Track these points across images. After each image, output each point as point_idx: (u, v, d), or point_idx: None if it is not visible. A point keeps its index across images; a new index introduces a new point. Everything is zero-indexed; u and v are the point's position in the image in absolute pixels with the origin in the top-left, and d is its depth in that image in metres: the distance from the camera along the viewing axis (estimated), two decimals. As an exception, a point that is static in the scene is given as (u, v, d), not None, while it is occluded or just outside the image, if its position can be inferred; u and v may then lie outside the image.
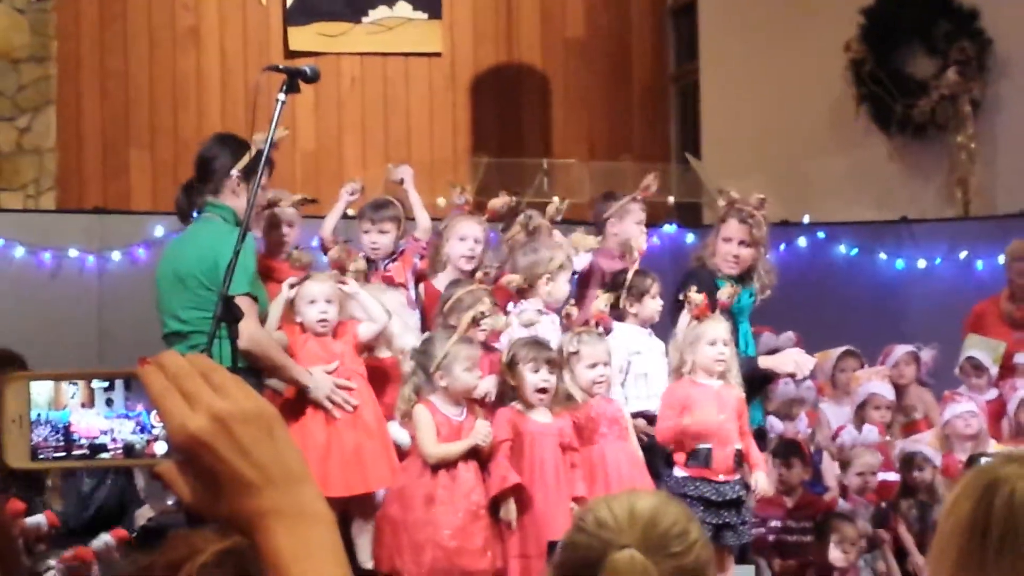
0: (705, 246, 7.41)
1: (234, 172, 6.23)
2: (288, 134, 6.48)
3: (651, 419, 6.91)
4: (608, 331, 6.90)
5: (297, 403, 6.41)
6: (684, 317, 6.84)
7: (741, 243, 7.25)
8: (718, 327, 6.74)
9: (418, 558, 6.21)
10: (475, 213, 7.35)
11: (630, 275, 7.15)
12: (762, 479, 6.74)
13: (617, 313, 7.09)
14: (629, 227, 7.55)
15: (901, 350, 8.52)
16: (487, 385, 6.47)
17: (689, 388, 6.73)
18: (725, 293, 6.94)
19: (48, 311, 9.42)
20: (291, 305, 6.53)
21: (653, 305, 7.08)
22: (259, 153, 6.19)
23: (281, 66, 6.36)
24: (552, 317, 6.96)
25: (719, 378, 6.74)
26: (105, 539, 6.78)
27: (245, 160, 6.22)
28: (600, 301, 6.93)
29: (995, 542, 2.41)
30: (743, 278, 7.29)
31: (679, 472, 6.68)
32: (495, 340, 6.77)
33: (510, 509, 6.31)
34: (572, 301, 7.08)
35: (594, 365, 6.63)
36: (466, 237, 7.17)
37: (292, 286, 6.52)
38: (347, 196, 7.43)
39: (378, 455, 6.42)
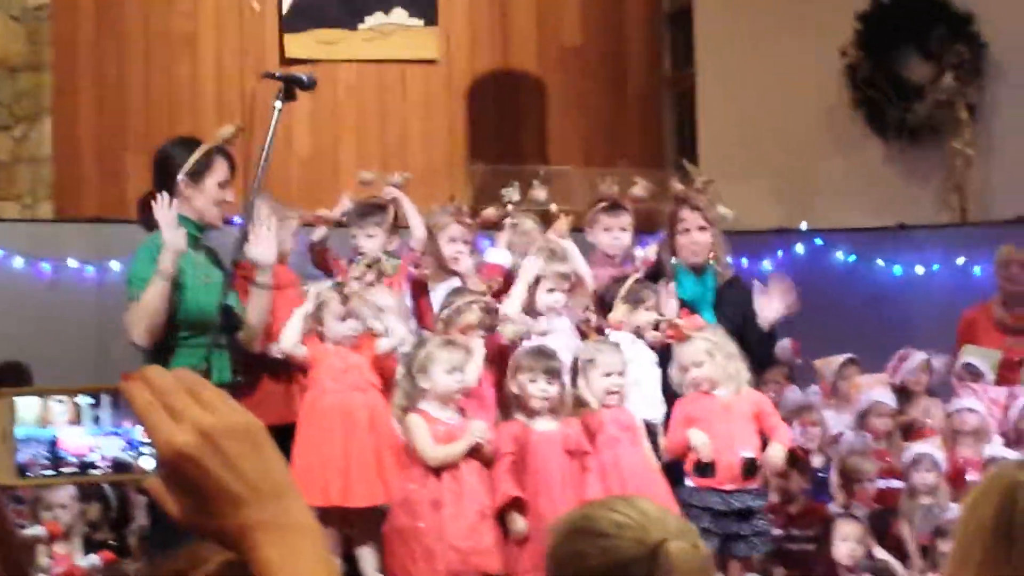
0: (663, 246, 7.50)
1: (180, 176, 6.19)
2: (240, 129, 6.44)
3: (648, 427, 6.94)
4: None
5: (318, 415, 6.42)
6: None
7: (700, 229, 7.40)
8: (690, 349, 6.83)
9: (432, 563, 6.23)
10: (463, 221, 7.38)
11: (629, 283, 7.17)
12: (774, 451, 6.78)
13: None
14: (597, 235, 7.59)
15: (918, 357, 8.50)
16: (480, 430, 6.44)
17: (694, 402, 6.82)
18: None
19: (48, 321, 9.43)
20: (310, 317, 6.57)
21: (646, 316, 7.09)
22: (209, 152, 6.18)
23: (278, 73, 6.38)
24: (565, 320, 7.00)
25: (724, 387, 6.80)
26: (93, 560, 6.77)
27: (191, 162, 6.18)
28: (618, 311, 6.98)
29: (1022, 542, 2.45)
30: (702, 266, 7.41)
31: (688, 482, 6.73)
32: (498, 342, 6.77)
33: (516, 522, 6.34)
34: (590, 308, 7.12)
35: (608, 374, 6.66)
36: (455, 239, 7.27)
37: (314, 299, 6.54)
38: (339, 213, 7.41)
39: (395, 465, 6.46)
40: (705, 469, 6.68)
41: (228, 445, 1.45)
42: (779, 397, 8.36)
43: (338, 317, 6.54)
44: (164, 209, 5.98)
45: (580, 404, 6.64)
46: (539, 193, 7.64)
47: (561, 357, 6.66)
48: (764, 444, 6.81)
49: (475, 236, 7.47)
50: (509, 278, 7.14)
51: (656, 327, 7.02)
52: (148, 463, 1.52)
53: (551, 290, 6.99)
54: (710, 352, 6.80)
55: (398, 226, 7.37)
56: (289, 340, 6.46)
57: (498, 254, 7.33)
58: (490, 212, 7.63)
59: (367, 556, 6.48)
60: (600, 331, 7.00)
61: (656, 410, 6.94)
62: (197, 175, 6.14)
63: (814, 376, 8.87)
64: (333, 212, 7.39)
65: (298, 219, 7.23)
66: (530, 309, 6.99)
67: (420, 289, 7.23)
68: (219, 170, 6.17)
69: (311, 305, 6.52)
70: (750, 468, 6.71)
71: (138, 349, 6.05)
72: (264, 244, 6.25)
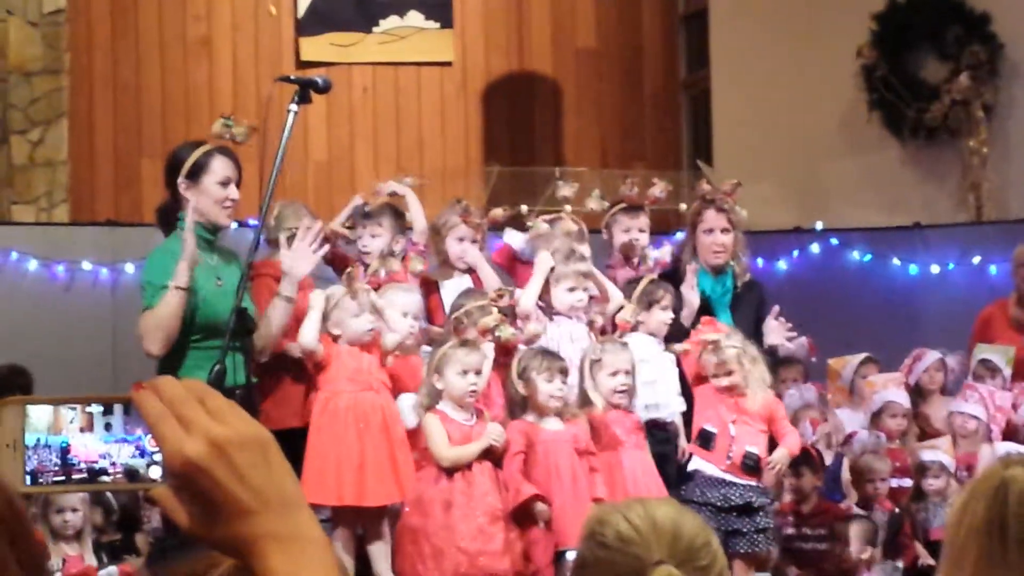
0: (684, 245, 7.51)
1: (180, 179, 6.19)
2: (253, 129, 6.45)
3: (661, 426, 6.96)
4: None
5: (331, 416, 6.44)
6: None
7: (723, 231, 7.43)
8: (718, 360, 6.88)
9: (440, 564, 6.26)
10: (471, 221, 7.39)
11: (643, 284, 7.17)
12: (778, 455, 6.80)
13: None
14: (616, 235, 7.60)
15: (932, 356, 8.50)
16: (496, 433, 6.47)
17: (708, 390, 6.90)
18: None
19: (62, 324, 9.46)
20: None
21: (661, 316, 7.09)
22: (207, 152, 6.18)
23: (293, 77, 6.38)
24: (559, 323, 7.00)
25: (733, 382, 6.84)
26: (111, 572, 6.78)
27: (188, 163, 6.18)
28: (626, 311, 6.98)
29: (1015, 541, 2.45)
30: (721, 267, 7.43)
31: (690, 466, 6.79)
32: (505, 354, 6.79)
33: (541, 513, 6.35)
34: (597, 309, 7.12)
35: (615, 373, 6.67)
36: (463, 239, 7.28)
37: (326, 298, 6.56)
38: (350, 209, 7.43)
39: (408, 464, 6.47)
40: (704, 439, 6.72)
41: (237, 455, 1.45)
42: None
43: (353, 314, 6.54)
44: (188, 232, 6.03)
45: (585, 404, 6.66)
46: (565, 191, 7.63)
47: (574, 359, 6.69)
48: (772, 448, 6.85)
49: (483, 236, 7.47)
50: (515, 264, 7.16)
51: (681, 326, 7.05)
52: (158, 471, 1.52)
53: (572, 289, 7.00)
54: (739, 359, 6.81)
55: (404, 227, 7.37)
56: (309, 337, 6.45)
57: (513, 236, 7.35)
58: (497, 212, 7.64)
59: (378, 555, 6.49)
60: (604, 332, 7.01)
61: (674, 408, 6.98)
62: (195, 176, 6.15)
63: (826, 375, 8.87)
64: (335, 220, 7.41)
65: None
66: (548, 309, 7.01)
67: (430, 287, 7.24)
68: (218, 169, 6.16)
69: (323, 303, 6.51)
70: (752, 463, 6.72)
71: (151, 356, 6.05)
72: (302, 257, 6.27)
